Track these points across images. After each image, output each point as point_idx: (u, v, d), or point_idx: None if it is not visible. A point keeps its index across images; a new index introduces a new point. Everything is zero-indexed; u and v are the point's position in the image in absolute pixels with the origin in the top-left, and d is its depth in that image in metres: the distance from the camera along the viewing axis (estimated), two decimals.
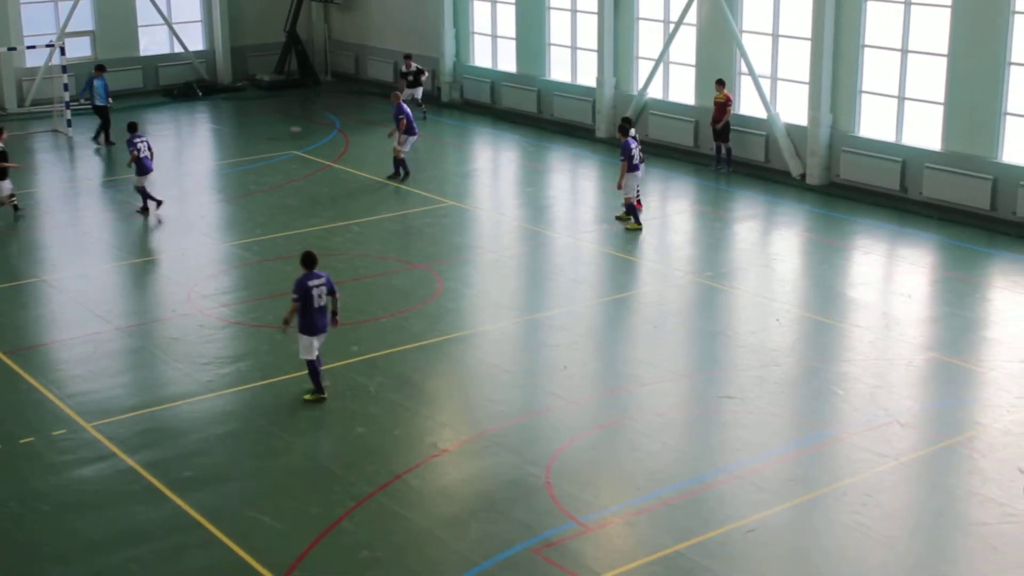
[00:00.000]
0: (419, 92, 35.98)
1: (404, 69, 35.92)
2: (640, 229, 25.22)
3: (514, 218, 26.97)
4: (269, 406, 17.78)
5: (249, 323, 20.76)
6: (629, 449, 16.33)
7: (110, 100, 33.68)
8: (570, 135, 33.86)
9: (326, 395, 17.59)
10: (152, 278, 23.47)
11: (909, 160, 27.20)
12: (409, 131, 29.26)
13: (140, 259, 24.33)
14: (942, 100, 26.61)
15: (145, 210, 26.75)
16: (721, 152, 29.94)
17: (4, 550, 14.11)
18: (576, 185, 30.70)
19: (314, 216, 26.74)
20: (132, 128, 27.15)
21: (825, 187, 28.41)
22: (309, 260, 17.37)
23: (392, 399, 17.84)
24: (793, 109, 29.50)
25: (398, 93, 30.82)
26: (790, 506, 14.79)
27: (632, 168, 25.17)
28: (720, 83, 29.84)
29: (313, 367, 17.49)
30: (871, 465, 15.71)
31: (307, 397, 17.60)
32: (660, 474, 15.57)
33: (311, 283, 17.20)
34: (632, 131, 25.57)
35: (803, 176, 29.01)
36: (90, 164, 32.37)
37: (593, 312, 21.35)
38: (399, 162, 29.41)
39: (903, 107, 27.45)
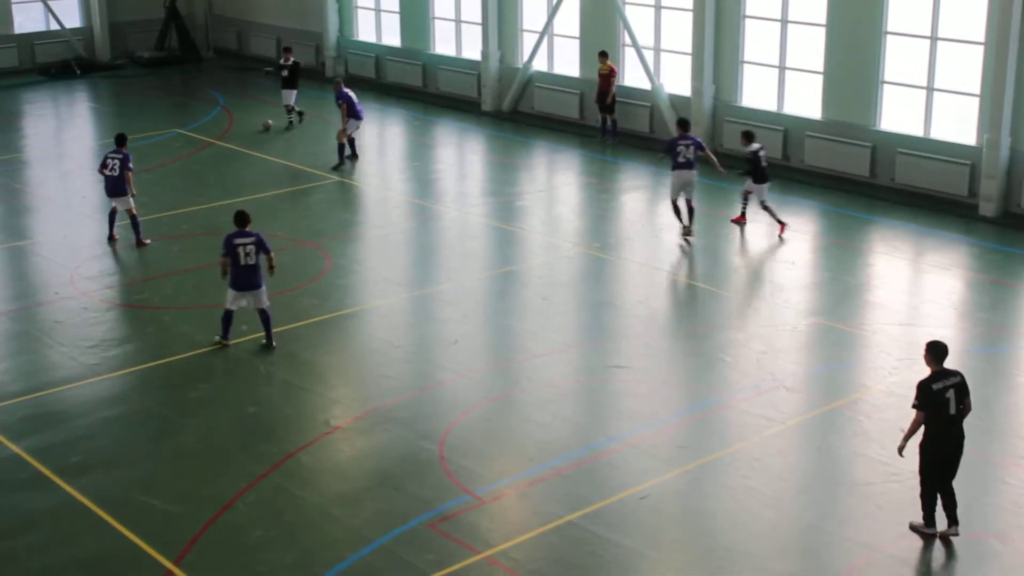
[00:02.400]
0: (293, 96, 31.86)
1: (282, 62, 32.04)
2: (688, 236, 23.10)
3: (401, 193, 26.89)
4: (158, 388, 17.56)
5: (134, 304, 20.47)
6: (521, 421, 16.42)
7: None
8: (456, 109, 33.82)
9: (228, 343, 18.45)
10: (33, 261, 22.98)
11: (791, 129, 27.63)
12: (353, 115, 28.19)
13: (20, 242, 23.82)
14: (821, 69, 27.05)
15: (112, 239, 23.36)
16: (606, 123, 30.11)
17: None
18: (463, 159, 30.68)
19: (199, 195, 26.39)
20: (118, 141, 23.27)
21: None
22: (239, 218, 18.22)
23: (283, 377, 17.73)
24: (676, 80, 29.77)
25: (340, 79, 29.47)
26: (681, 472, 14.99)
27: (676, 166, 22.97)
28: (603, 55, 29.99)
29: (226, 316, 18.33)
30: (759, 429, 15.99)
31: (216, 338, 18.53)
32: (552, 445, 15.68)
33: (237, 240, 17.94)
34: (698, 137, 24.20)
35: None
36: None
37: (482, 285, 21.39)
38: (342, 146, 28.27)
39: (784, 77, 27.87)
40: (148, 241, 23.06)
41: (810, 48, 27.20)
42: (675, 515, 14.25)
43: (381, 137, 32.76)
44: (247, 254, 17.94)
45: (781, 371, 17.71)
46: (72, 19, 40.68)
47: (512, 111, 33.22)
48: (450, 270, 22.24)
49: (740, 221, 23.88)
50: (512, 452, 15.64)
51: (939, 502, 13.49)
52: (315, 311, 19.98)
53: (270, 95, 35.98)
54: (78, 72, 39.15)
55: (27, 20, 40.12)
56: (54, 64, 39.43)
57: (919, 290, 21.37)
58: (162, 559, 13.27)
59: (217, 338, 18.50)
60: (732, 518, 14.09)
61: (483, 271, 22.11)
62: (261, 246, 18.09)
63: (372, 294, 21.20)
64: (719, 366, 18.07)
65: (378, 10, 37.32)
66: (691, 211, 23.17)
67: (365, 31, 37.97)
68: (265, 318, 18.45)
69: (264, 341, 18.52)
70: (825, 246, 23.25)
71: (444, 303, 20.47)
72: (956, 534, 13.49)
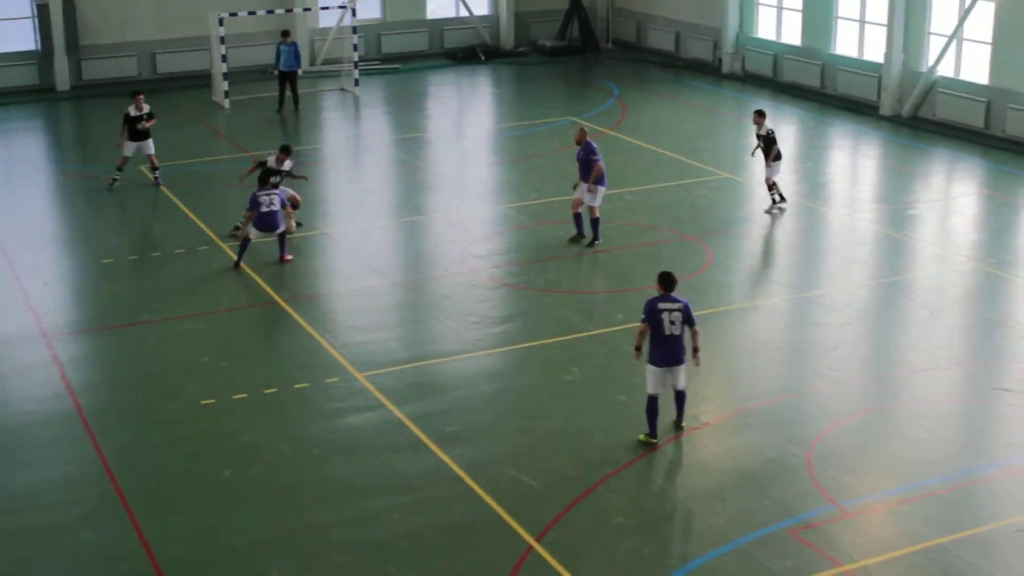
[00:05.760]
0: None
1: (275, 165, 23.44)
2: None
3: (790, 193, 26.40)
4: (535, 368, 18.00)
5: (520, 285, 21.03)
6: (896, 436, 15.87)
7: (299, 69, 33.67)
8: (853, 111, 32.97)
9: (657, 440, 15.58)
10: (427, 236, 24.01)
11: None
12: (600, 180, 22.59)
13: (417, 217, 24.94)
14: None
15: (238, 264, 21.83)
16: None
17: (276, 489, 14.74)
18: (856, 163, 29.87)
19: None
20: (262, 178, 22.06)
21: None
22: (667, 281, 15.48)
23: None
24: None
25: (584, 128, 23.80)
26: None
27: None
28: None
29: (652, 406, 15.48)
30: None
31: (640, 438, 15.64)
32: (927, 464, 15.08)
33: (662, 306, 15.26)
34: None
35: None
36: (375, 123, 33.33)
37: (866, 293, 20.79)
38: (594, 221, 22.75)
39: None
40: (291, 257, 22.14)
41: None
42: None
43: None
44: (672, 322, 15.21)
45: None
46: (480, 7, 42.18)
47: (912, 117, 32.08)
48: (834, 275, 21.71)
49: None
50: (883, 467, 15.14)
51: None
52: (694, 307, 19.89)
53: (665, 88, 36.22)
54: (482, 58, 40.56)
55: (439, 7, 41.89)
56: (461, 49, 41.02)
57: None
58: (525, 534, 13.60)
59: (643, 437, 15.62)
60: None
61: (869, 279, 21.48)
62: (688, 316, 15.41)
63: (752, 293, 20.98)
64: None
65: (780, 7, 36.81)
66: None
67: (765, 28, 37.54)
68: (681, 399, 15.82)
69: (675, 420, 15.98)
70: None
71: (825, 308, 20.01)
72: None
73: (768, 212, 24.68)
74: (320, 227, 24.11)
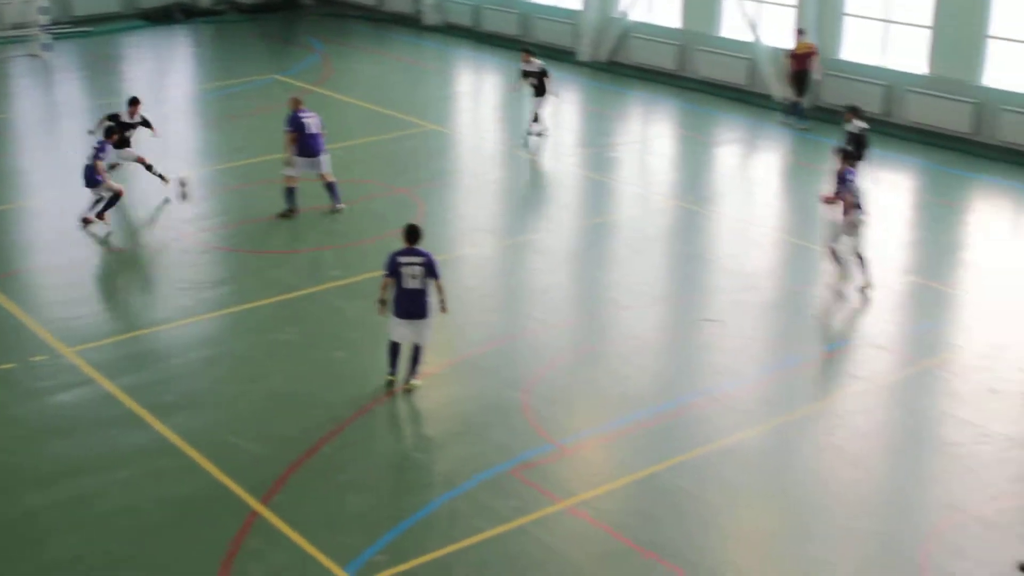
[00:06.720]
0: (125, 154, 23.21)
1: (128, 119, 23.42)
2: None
3: (495, 142, 26.85)
4: (250, 331, 17.80)
5: (229, 248, 20.71)
6: (606, 372, 16.41)
7: None
8: (552, 58, 33.56)
9: (394, 376, 15.90)
10: (131, 203, 23.31)
11: (893, 84, 27.12)
12: (303, 149, 21.86)
13: (120, 183, 24.15)
14: (928, 23, 26.48)
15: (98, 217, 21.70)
16: (798, 107, 27.84)
17: None
18: (557, 109, 30.48)
19: None
20: (118, 131, 22.37)
21: (809, 111, 28.29)
22: (410, 234, 15.35)
23: (371, 323, 17.80)
24: (778, 32, 29.32)
25: (297, 97, 22.62)
26: (766, 428, 14.91)
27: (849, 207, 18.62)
28: (801, 32, 27.81)
29: (393, 348, 15.76)
30: (846, 387, 15.85)
31: (388, 378, 15.97)
32: (637, 397, 15.66)
33: (401, 259, 15.27)
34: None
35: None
36: (69, 88, 32.08)
37: (573, 236, 21.35)
38: (291, 190, 21.93)
39: (889, 30, 27.32)
40: (92, 219, 21.58)
41: (916, 1, 26.62)
42: (758, 470, 14.16)
43: (476, 87, 32.74)
44: (412, 276, 15.25)
45: (872, 329, 17.49)
46: None
47: (609, 61, 32.98)
48: (541, 220, 22.21)
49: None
50: (596, 403, 15.65)
51: None
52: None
53: (368, 42, 36.10)
54: (180, 18, 39.51)
55: None
56: (157, 9, 39.82)
57: (1018, 249, 20.95)
58: (249, 499, 13.47)
59: (389, 377, 15.95)
60: (815, 475, 14.00)
61: (574, 222, 22.05)
62: (430, 269, 15.33)
63: (462, 242, 21.23)
64: (809, 322, 17.90)
65: None
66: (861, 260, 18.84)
67: None
68: (416, 355, 15.80)
69: (407, 378, 15.91)
70: (924, 204, 22.85)
71: (534, 253, 20.46)
72: None
73: (537, 135, 26.25)
74: (15, 200, 23.15)
